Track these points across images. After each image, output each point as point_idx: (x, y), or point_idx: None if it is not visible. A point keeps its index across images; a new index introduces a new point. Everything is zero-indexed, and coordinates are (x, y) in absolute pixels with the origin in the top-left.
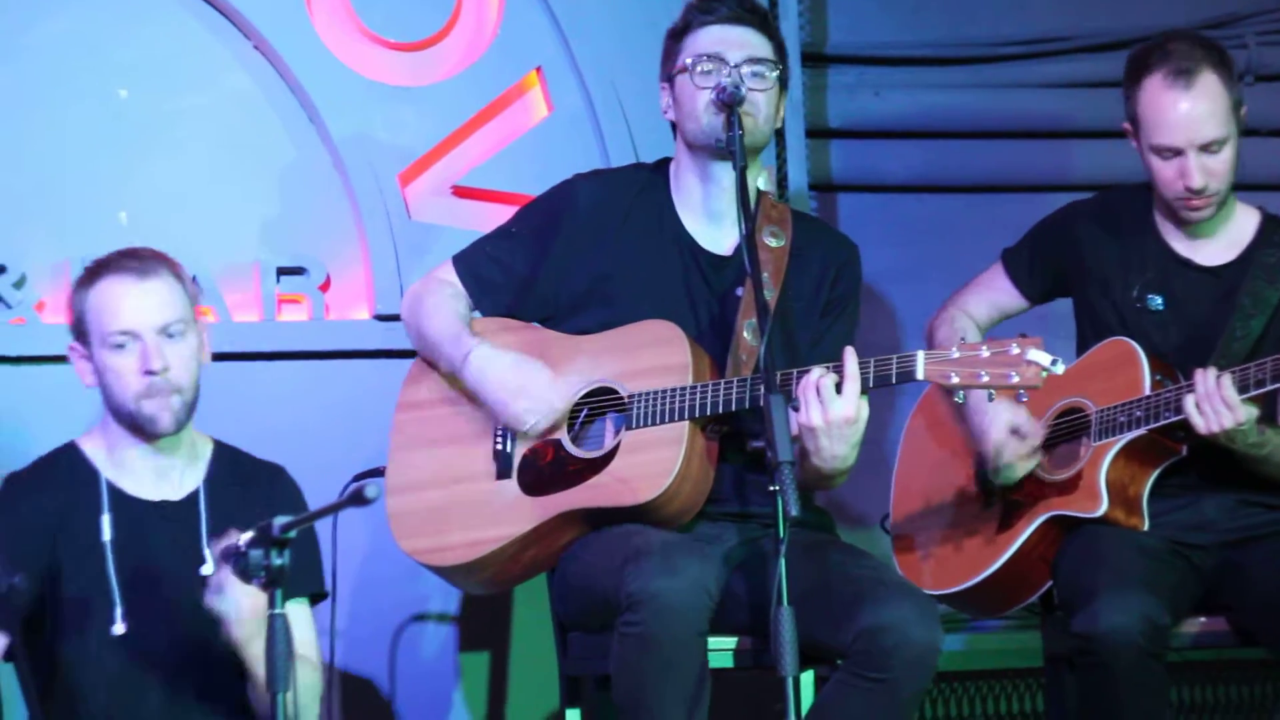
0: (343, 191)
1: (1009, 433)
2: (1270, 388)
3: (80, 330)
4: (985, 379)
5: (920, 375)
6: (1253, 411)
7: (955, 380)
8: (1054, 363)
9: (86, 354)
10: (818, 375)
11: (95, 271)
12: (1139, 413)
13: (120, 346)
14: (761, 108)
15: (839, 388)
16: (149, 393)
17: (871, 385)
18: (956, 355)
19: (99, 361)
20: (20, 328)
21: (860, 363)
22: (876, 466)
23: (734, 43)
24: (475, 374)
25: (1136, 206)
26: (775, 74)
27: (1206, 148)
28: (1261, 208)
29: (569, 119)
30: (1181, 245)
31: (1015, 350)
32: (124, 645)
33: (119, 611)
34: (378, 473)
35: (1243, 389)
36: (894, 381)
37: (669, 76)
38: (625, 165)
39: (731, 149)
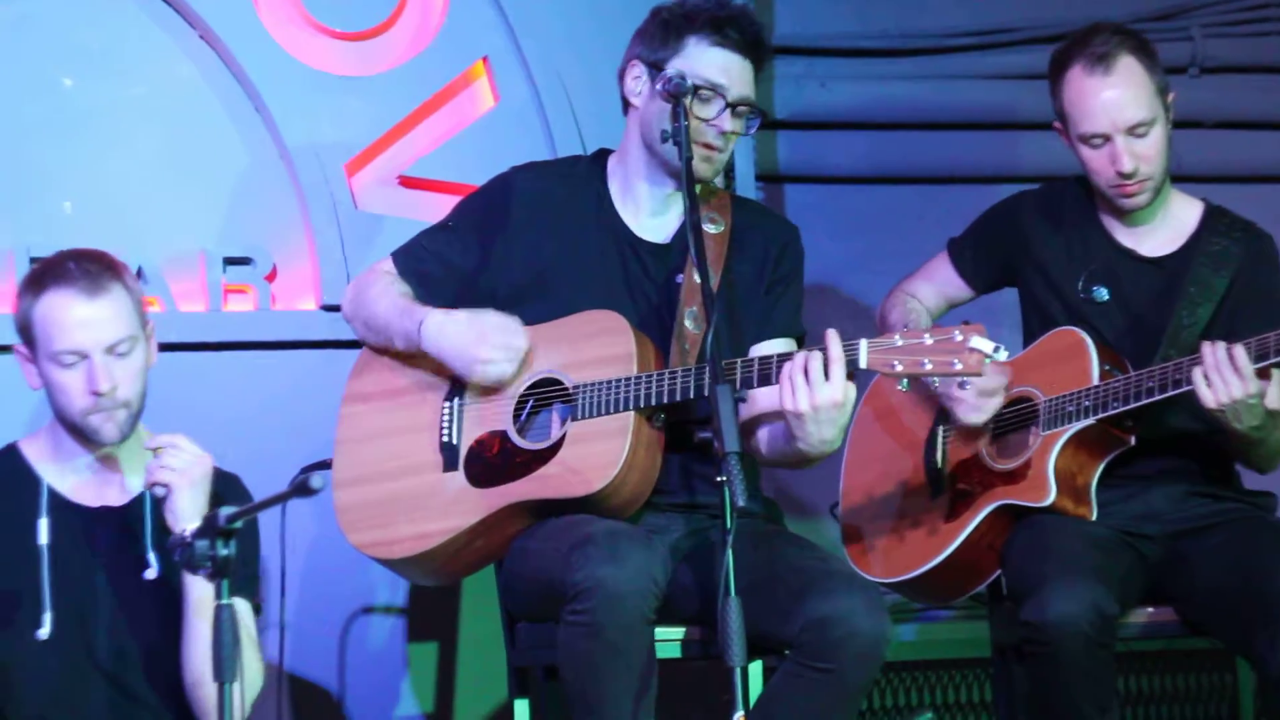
0: (289, 181)
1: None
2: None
3: (26, 336)
4: (928, 367)
5: (863, 364)
6: (1262, 385)
7: (899, 368)
8: (996, 350)
9: (32, 358)
10: (803, 359)
11: (43, 278)
12: (1088, 402)
13: (68, 365)
14: (730, 147)
15: (826, 371)
16: (95, 409)
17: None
18: (900, 343)
19: (45, 372)
20: None
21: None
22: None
23: (736, 76)
24: (433, 337)
25: (1080, 198)
26: (757, 120)
27: (1133, 130)
28: (1204, 199)
29: (515, 110)
30: (1125, 236)
31: (958, 337)
32: (57, 649)
33: (47, 616)
34: (325, 465)
35: (1261, 356)
36: None
37: (652, 63)
38: (562, 157)
39: (678, 140)
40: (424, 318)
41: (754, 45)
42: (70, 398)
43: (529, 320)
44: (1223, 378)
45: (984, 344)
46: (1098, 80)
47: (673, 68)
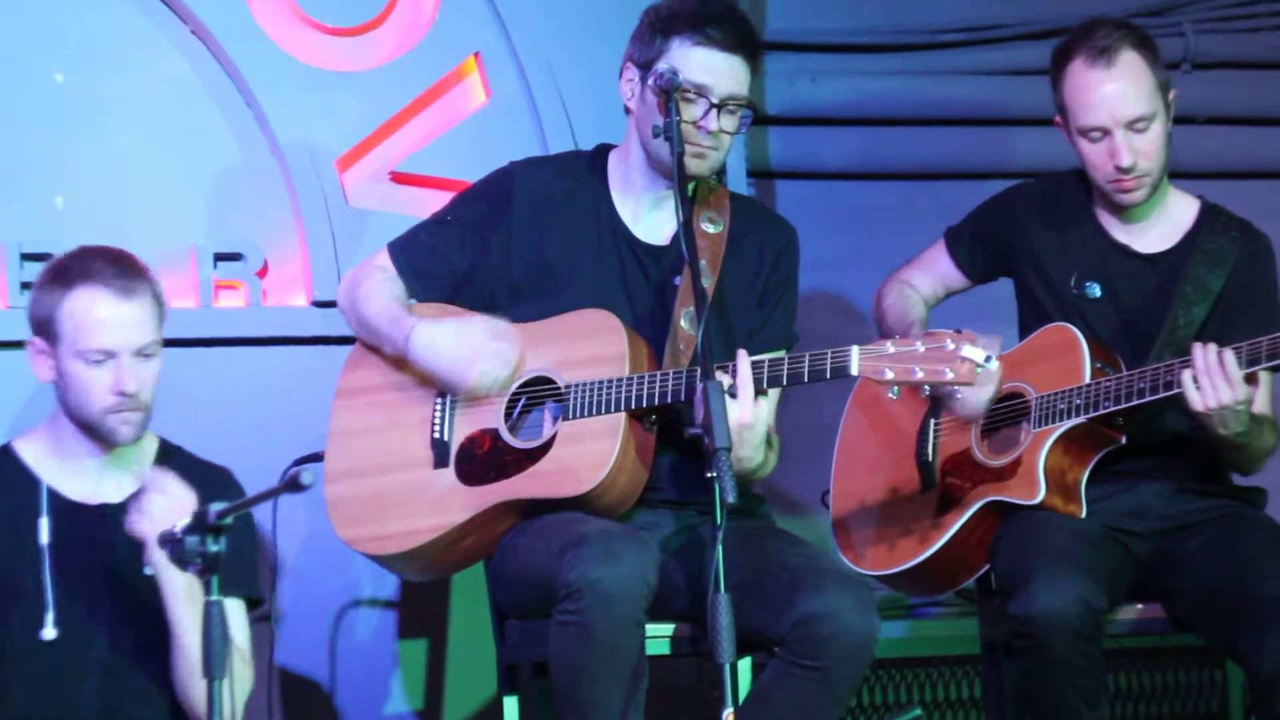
0: (280, 177)
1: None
2: (1272, 364)
3: (47, 330)
4: (920, 375)
5: (855, 371)
6: (1250, 390)
7: (890, 376)
8: (988, 359)
9: (50, 352)
10: (727, 385)
11: (70, 273)
12: (1079, 401)
13: (95, 362)
14: (725, 145)
15: (732, 392)
16: (117, 409)
17: (807, 380)
18: (892, 350)
19: (65, 367)
20: None
21: (792, 358)
22: (816, 448)
23: (724, 75)
24: (422, 351)
25: (1076, 193)
26: (748, 112)
27: (1132, 125)
28: (1201, 196)
29: (507, 105)
30: (1120, 232)
31: (950, 346)
32: (57, 649)
33: (50, 616)
34: (316, 458)
35: (1252, 361)
36: (828, 377)
37: (642, 64)
38: (562, 153)
39: (669, 135)
40: (410, 331)
41: (741, 41)
42: (91, 395)
43: (525, 317)
44: (1212, 382)
45: (976, 353)
46: (1099, 73)
47: (662, 67)
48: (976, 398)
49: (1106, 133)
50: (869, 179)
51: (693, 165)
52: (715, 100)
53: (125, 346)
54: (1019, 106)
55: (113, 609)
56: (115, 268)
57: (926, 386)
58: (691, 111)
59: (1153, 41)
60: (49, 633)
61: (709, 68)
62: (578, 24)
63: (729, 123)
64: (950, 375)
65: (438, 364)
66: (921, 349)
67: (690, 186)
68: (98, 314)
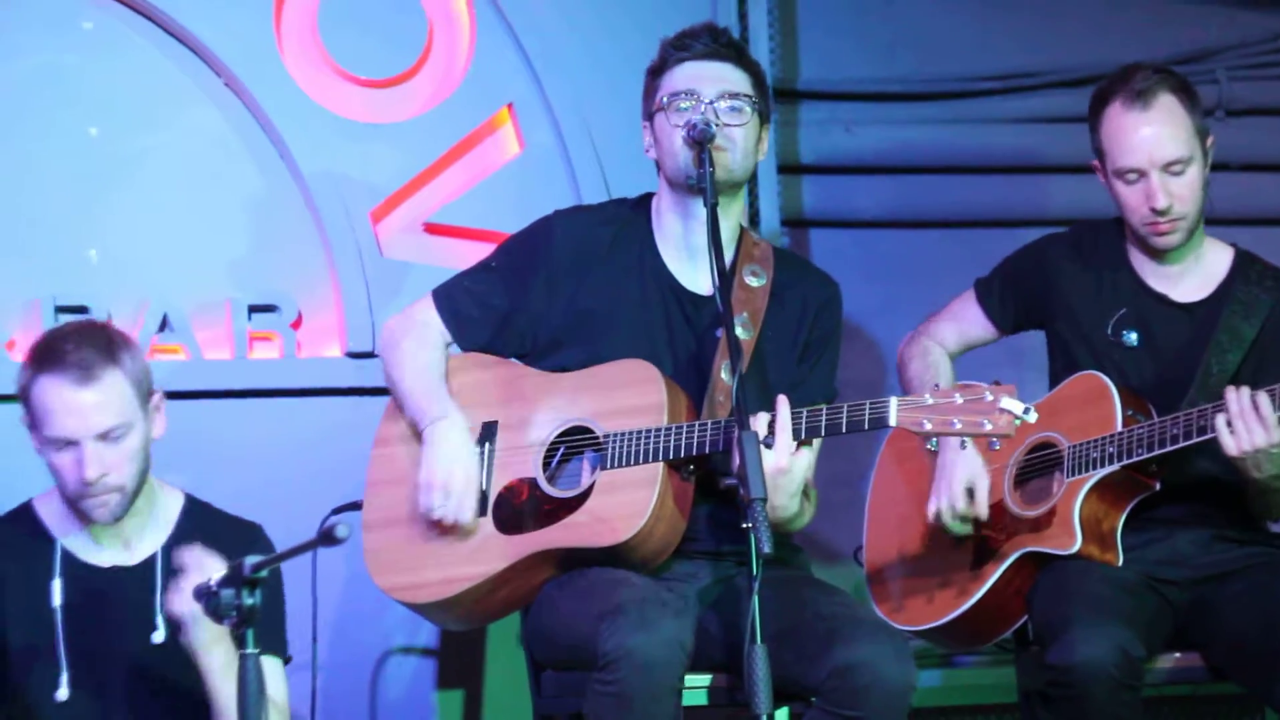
0: (314, 229)
1: (964, 489)
2: None
3: (27, 411)
4: (958, 426)
5: (893, 422)
6: None
7: (928, 427)
8: (1026, 411)
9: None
10: (762, 436)
11: (41, 359)
12: (1112, 449)
13: (59, 449)
14: (738, 143)
15: (767, 443)
16: (86, 495)
17: (845, 431)
18: (930, 401)
19: (39, 449)
20: None
21: (830, 409)
22: (850, 498)
23: (709, 78)
24: (426, 443)
25: (1110, 241)
26: (752, 108)
27: (1169, 168)
28: (1234, 245)
29: (540, 156)
30: (1156, 280)
31: (989, 398)
32: (71, 711)
33: (64, 678)
34: (354, 507)
35: None
36: (866, 428)
37: (649, 114)
38: (607, 201)
39: (703, 186)
40: (433, 421)
41: (723, 48)
42: (63, 480)
43: (566, 363)
44: (1246, 425)
45: (1014, 405)
46: (1136, 115)
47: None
48: (951, 526)
49: (1143, 175)
50: (903, 227)
51: (717, 171)
52: (708, 100)
53: (85, 433)
54: (1054, 154)
55: (126, 672)
56: (81, 351)
57: (965, 439)
58: (686, 115)
59: (1192, 87)
60: (63, 693)
61: (694, 75)
62: (610, 74)
63: (733, 118)
64: (989, 427)
65: (422, 463)
66: (960, 400)
67: (734, 237)
68: (55, 402)
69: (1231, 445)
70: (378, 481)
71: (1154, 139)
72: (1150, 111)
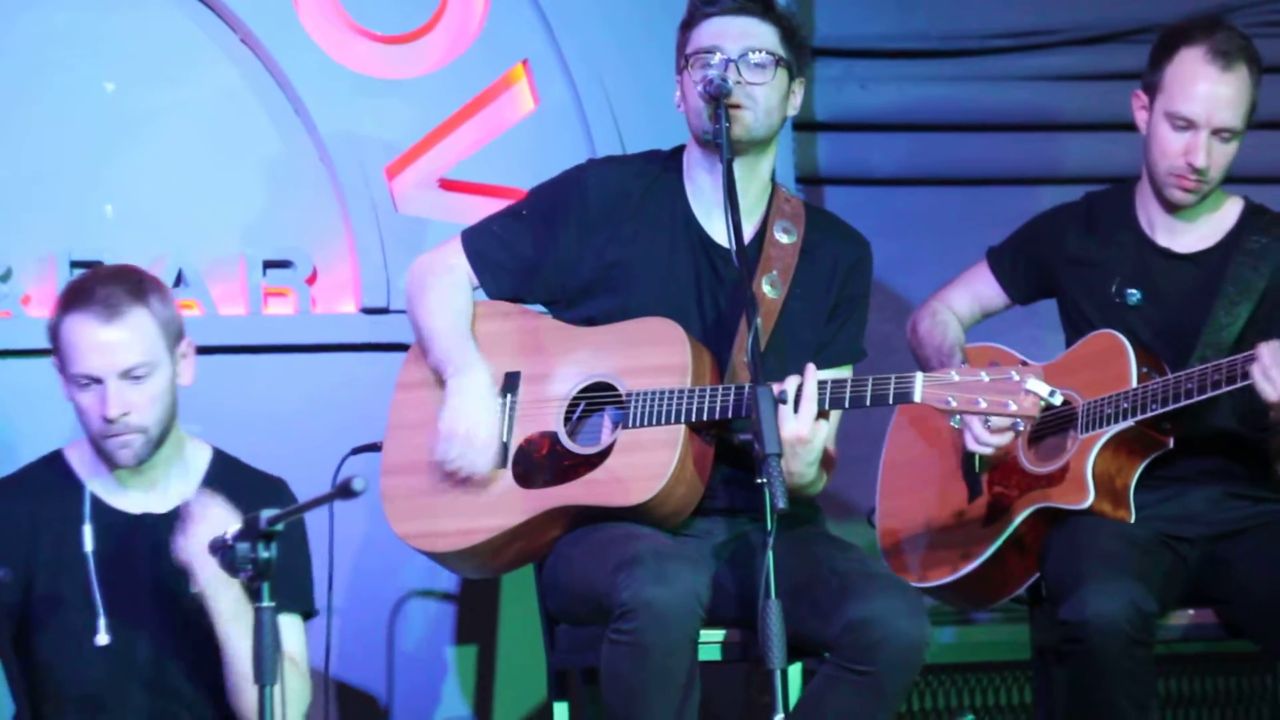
0: (329, 185)
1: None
2: None
3: (55, 353)
4: (983, 405)
5: (918, 398)
6: None
7: (953, 404)
8: (1052, 393)
9: (60, 373)
10: (776, 390)
11: (69, 297)
12: (1125, 405)
13: (84, 387)
14: (759, 101)
15: (796, 406)
16: (109, 434)
17: (869, 404)
18: (955, 379)
19: (66, 390)
20: (6, 321)
21: (854, 381)
22: (866, 457)
23: (733, 34)
24: (450, 392)
25: (1118, 204)
26: (776, 64)
27: (1219, 132)
28: (1244, 197)
29: (556, 112)
30: (1161, 236)
31: (1015, 378)
32: (106, 656)
33: (102, 623)
34: (374, 448)
35: None
36: (891, 402)
37: (680, 69)
38: (640, 152)
39: (718, 142)
40: (458, 372)
41: (749, 2)
42: (86, 420)
43: (594, 313)
44: None
45: (1040, 386)
46: (1214, 71)
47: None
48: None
49: (1194, 127)
50: (918, 184)
51: (735, 129)
52: (732, 56)
53: (108, 370)
54: (1069, 112)
55: (158, 619)
56: (108, 289)
57: (990, 417)
58: (710, 71)
59: (1261, 64)
60: (102, 638)
61: (716, 31)
62: (625, 30)
63: (755, 74)
64: (1014, 408)
65: (442, 412)
66: (986, 379)
67: (765, 194)
68: (81, 338)
69: (1271, 394)
70: (399, 425)
71: (1221, 100)
72: (1227, 74)
